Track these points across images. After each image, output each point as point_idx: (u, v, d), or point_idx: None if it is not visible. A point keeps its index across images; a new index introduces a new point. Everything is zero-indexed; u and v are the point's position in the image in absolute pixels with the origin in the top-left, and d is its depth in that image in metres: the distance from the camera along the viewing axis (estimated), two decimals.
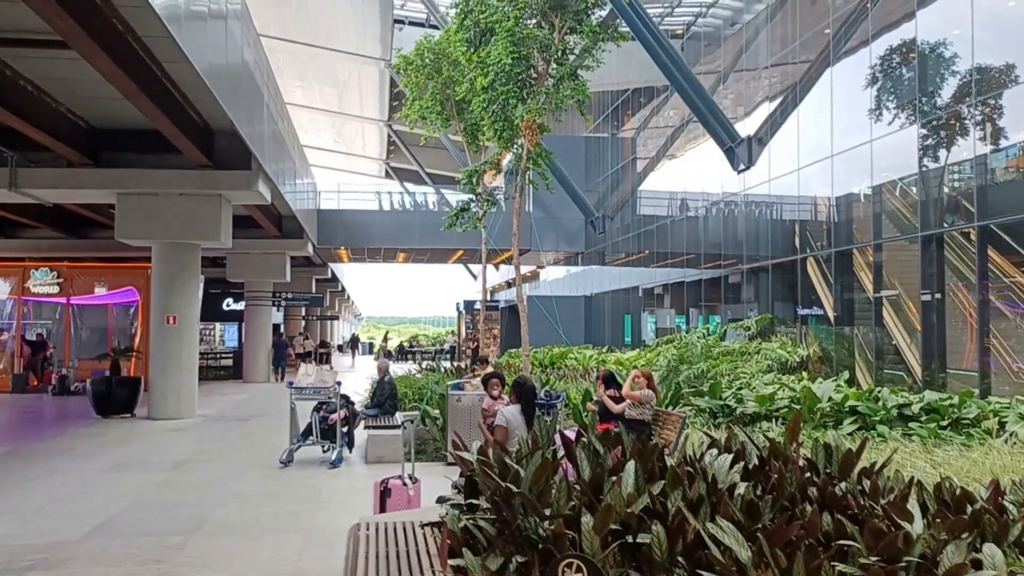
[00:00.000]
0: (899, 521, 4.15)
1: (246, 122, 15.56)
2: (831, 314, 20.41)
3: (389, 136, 45.15)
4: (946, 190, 17.08)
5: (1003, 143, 15.83)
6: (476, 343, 31.83)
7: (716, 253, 27.72)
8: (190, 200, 17.47)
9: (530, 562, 4.02)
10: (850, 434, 9.24)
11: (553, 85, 12.34)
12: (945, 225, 16.58)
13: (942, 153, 17.25)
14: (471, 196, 14.92)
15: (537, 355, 23.20)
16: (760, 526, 4.18)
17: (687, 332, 20.60)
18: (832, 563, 3.85)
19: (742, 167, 20.28)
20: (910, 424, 9.51)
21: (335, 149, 52.71)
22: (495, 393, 8.67)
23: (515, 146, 12.84)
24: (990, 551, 3.94)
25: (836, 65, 20.55)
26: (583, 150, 35.28)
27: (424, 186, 46.32)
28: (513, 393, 6.84)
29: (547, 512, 4.44)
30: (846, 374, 15.91)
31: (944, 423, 9.51)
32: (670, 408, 10.39)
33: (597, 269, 37.94)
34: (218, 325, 32.76)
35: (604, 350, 26.35)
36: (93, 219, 24.66)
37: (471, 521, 4.53)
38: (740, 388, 11.62)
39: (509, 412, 6.57)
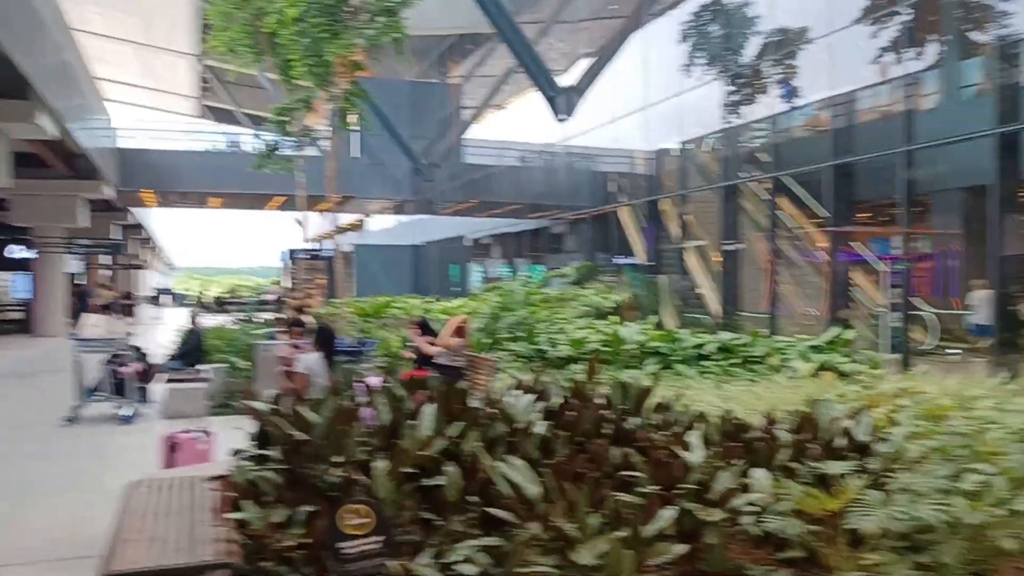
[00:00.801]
0: (680, 451, 4.37)
1: (22, 49, 13.82)
2: (644, 262, 21.45)
3: (204, 73, 42.15)
4: (747, 144, 18.23)
5: (798, 101, 17.06)
6: (301, 295, 30.75)
7: (541, 203, 28.28)
8: None
9: (321, 511, 3.87)
10: (652, 373, 9.73)
11: (368, 21, 11.84)
12: (743, 177, 17.72)
13: (745, 109, 18.35)
14: (283, 136, 14.17)
15: (361, 304, 22.76)
16: (553, 462, 4.25)
17: (511, 280, 20.98)
18: (617, 493, 4.00)
19: (563, 118, 20.67)
20: (704, 362, 10.20)
21: (142, 84, 48.51)
22: (296, 341, 8.37)
23: (330, 85, 12.27)
24: (757, 475, 4.23)
25: (651, 21, 21.23)
26: (410, 95, 34.58)
27: (243, 127, 43.79)
28: (315, 340, 6.61)
29: (341, 459, 4.30)
30: (655, 318, 16.79)
31: (735, 361, 10.28)
32: (487, 354, 10.48)
33: (426, 218, 37.67)
34: (3, 275, 29.58)
35: (432, 299, 26.30)
36: None
37: (260, 473, 4.31)
38: (555, 333, 11.93)
39: (310, 359, 6.33)
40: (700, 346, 10.68)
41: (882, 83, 14.82)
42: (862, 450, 4.88)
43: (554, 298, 16.95)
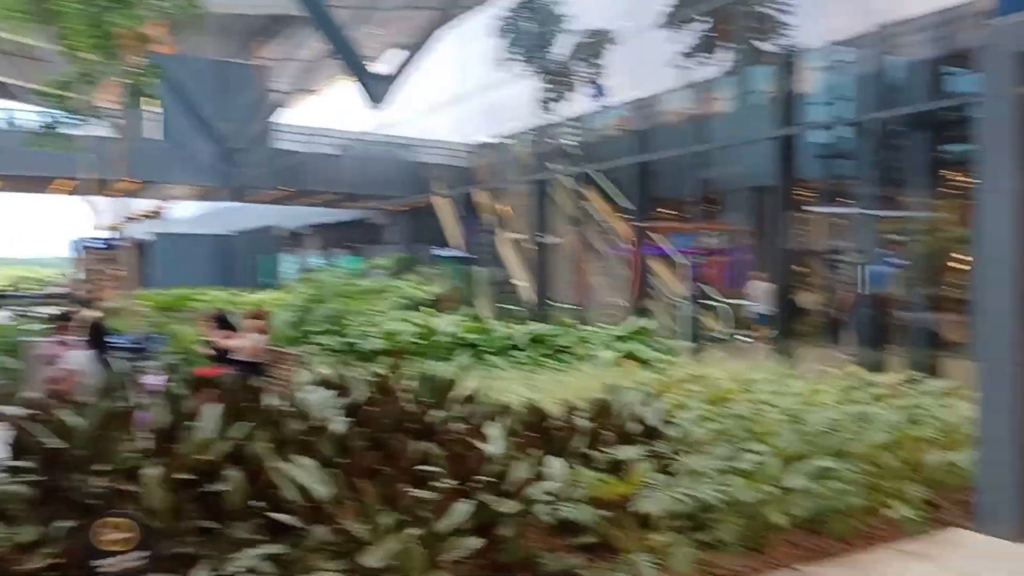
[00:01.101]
0: (479, 443, 4.32)
1: None
2: (462, 254, 21.57)
3: None
4: (559, 140, 18.73)
5: (607, 101, 17.74)
6: (93, 288, 28.20)
7: (359, 193, 27.71)
8: None
9: (79, 527, 3.47)
10: (463, 365, 9.73)
11: None
12: (557, 172, 18.20)
13: (558, 106, 18.85)
14: (64, 112, 12.79)
15: (161, 297, 21.26)
16: (347, 460, 4.08)
17: (326, 272, 20.35)
18: (414, 489, 3.88)
19: (376, 105, 20.43)
20: (516, 353, 10.35)
21: None
22: (63, 338, 7.55)
23: (117, 58, 11.22)
24: (553, 464, 4.27)
25: (467, 14, 21.33)
26: (217, 75, 32.65)
27: (23, 103, 39.49)
28: (87, 337, 5.99)
29: (106, 468, 3.89)
30: (472, 309, 16.90)
31: (545, 351, 10.51)
32: (293, 348, 10.05)
33: (238, 206, 35.83)
34: None
35: (241, 291, 25.02)
36: None
37: (10, 486, 3.81)
38: (368, 325, 11.65)
39: (79, 358, 5.72)
40: (511, 337, 10.83)
41: (683, 87, 15.71)
42: (654, 434, 5.09)
43: (370, 290, 16.59)
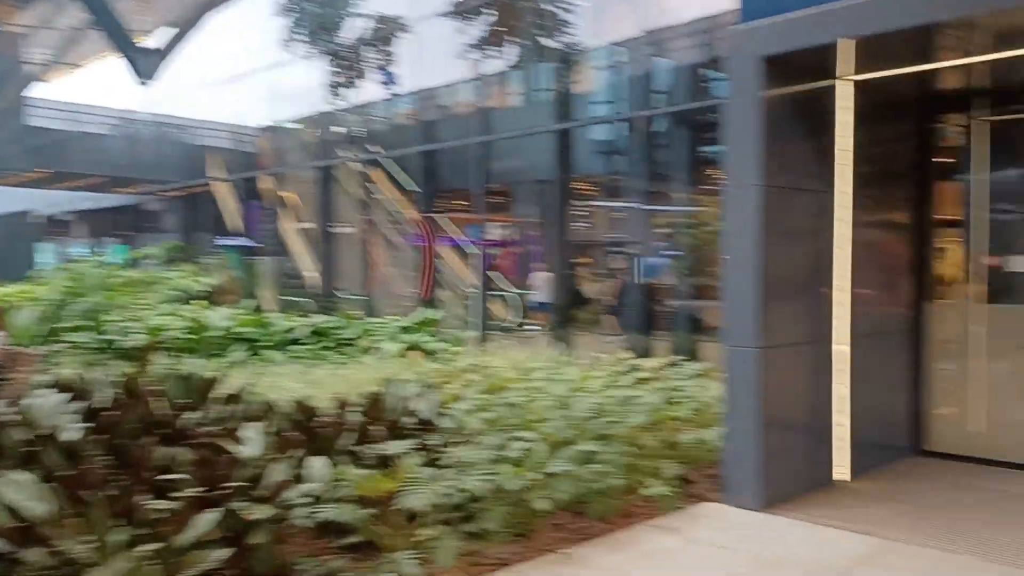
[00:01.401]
0: (232, 446, 4.01)
1: None
2: (244, 243, 20.48)
3: None
4: (348, 127, 18.24)
5: (397, 88, 17.48)
6: None
7: (129, 176, 25.51)
8: None
9: None
10: (234, 361, 9.18)
11: None
12: (346, 159, 17.71)
13: (347, 92, 18.33)
14: None
15: None
16: (73, 473, 3.62)
17: (85, 262, 18.53)
18: (153, 499, 3.52)
19: (144, 81, 18.84)
20: (296, 347, 9.93)
21: None
22: None
23: None
24: (315, 463, 4.06)
25: None
26: None
27: None
28: None
29: None
30: (254, 301, 16.06)
31: (328, 344, 10.17)
32: (39, 347, 9.01)
33: None
34: None
35: None
36: None
37: None
38: (131, 320, 10.67)
39: None
40: (292, 330, 10.38)
41: (472, 79, 15.81)
42: (427, 427, 5.00)
43: (137, 281, 15.26)
